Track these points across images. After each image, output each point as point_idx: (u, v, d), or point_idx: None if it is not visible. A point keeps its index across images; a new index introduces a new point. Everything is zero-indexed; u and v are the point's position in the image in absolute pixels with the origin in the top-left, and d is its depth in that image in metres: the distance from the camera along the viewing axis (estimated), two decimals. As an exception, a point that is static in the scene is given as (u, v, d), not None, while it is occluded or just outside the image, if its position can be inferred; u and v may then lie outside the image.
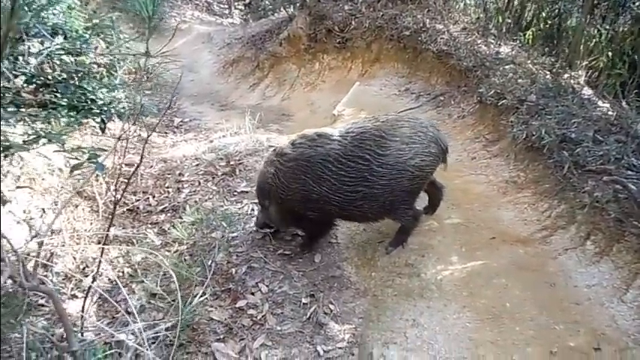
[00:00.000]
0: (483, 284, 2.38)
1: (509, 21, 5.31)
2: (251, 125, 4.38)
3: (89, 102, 1.66)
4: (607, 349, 1.96)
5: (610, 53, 4.25)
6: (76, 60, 1.76)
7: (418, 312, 2.25)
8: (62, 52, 1.65)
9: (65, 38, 1.65)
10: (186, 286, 2.32)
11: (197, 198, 3.23)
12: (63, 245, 2.44)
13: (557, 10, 4.94)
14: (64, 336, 1.71)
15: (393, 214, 2.55)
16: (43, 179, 2.66)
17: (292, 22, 6.88)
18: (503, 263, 2.51)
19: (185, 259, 2.56)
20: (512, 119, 3.63)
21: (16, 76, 1.51)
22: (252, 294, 2.41)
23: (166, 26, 8.03)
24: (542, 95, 3.66)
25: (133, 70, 2.30)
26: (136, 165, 2.15)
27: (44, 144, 1.48)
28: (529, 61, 4.38)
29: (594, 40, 4.40)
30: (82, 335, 1.88)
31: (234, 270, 2.54)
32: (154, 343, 1.91)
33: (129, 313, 2.04)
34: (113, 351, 1.80)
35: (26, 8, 1.51)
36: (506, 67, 4.29)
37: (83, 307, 1.90)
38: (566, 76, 4.02)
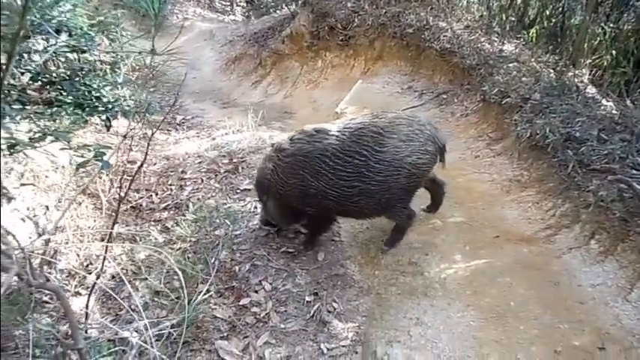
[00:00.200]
0: (487, 283, 2.38)
1: (513, 19, 5.28)
2: (253, 123, 4.39)
3: (94, 100, 1.66)
4: (611, 348, 1.96)
5: (614, 51, 4.22)
6: (80, 57, 1.76)
7: (422, 310, 2.26)
8: (67, 49, 1.64)
9: (70, 35, 1.64)
10: (190, 284, 2.33)
11: (200, 195, 3.23)
12: (67, 242, 2.45)
13: (560, 8, 4.90)
14: (69, 333, 1.72)
15: (389, 212, 2.56)
16: (46, 176, 2.66)
17: (295, 19, 6.85)
18: (507, 262, 2.51)
19: (188, 257, 2.56)
20: (516, 117, 3.62)
21: (22, 74, 1.51)
22: (256, 292, 2.41)
23: (169, 23, 8.01)
24: (546, 93, 3.65)
25: (137, 67, 2.29)
26: (139, 162, 2.15)
27: (51, 142, 1.48)
28: (533, 60, 4.36)
29: (598, 38, 4.35)
30: (86, 332, 1.88)
31: (237, 268, 2.54)
32: (158, 340, 1.92)
33: (133, 310, 2.05)
34: (117, 348, 1.80)
35: (31, 5, 1.50)
36: (510, 65, 4.27)
37: (87, 304, 1.91)
38: (570, 74, 4.00)
